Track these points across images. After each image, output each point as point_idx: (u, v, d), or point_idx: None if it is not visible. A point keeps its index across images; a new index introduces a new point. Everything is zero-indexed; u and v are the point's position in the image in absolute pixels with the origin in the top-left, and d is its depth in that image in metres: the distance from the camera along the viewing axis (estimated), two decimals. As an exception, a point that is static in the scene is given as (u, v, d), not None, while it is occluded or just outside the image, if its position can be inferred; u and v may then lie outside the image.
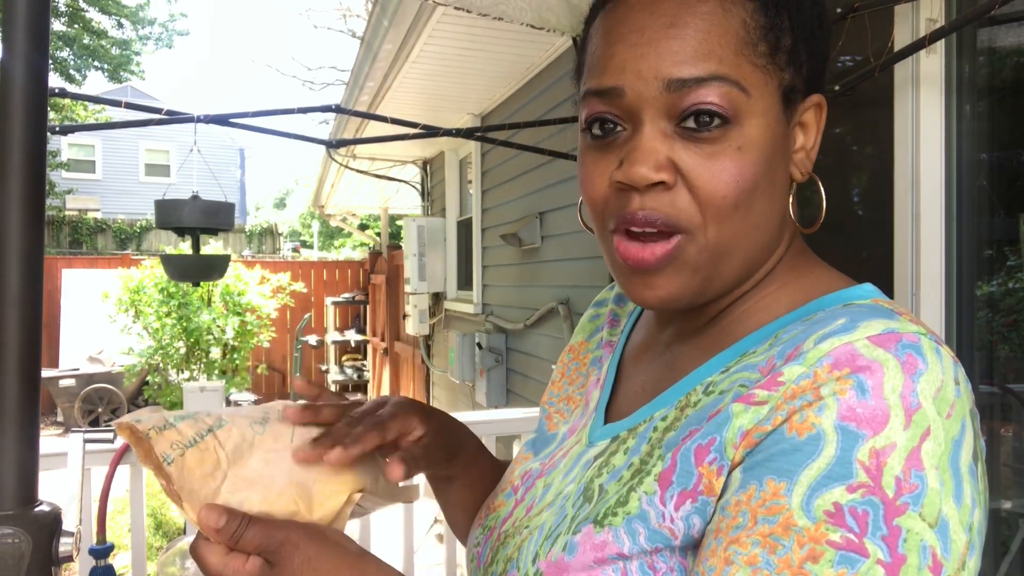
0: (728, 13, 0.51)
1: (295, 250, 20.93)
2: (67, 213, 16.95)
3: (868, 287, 0.55)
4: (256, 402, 9.42)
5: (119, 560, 4.87)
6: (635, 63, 0.51)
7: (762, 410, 0.46)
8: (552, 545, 0.55)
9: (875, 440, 0.42)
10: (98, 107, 15.06)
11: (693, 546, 0.48)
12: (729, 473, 0.47)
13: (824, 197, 0.59)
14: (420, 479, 0.74)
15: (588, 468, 0.60)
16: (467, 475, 0.77)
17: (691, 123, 0.51)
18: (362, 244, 19.37)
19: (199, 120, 2.47)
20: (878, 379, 0.43)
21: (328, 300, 11.13)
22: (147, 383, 7.07)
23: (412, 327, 6.23)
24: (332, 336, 10.79)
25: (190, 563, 1.37)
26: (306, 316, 11.23)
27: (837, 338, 0.46)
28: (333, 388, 10.53)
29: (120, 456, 1.83)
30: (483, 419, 2.29)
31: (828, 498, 0.42)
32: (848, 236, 1.89)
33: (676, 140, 0.52)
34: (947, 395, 0.44)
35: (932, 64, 1.54)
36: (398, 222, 12.54)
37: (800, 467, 0.43)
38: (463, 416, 2.34)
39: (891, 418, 0.42)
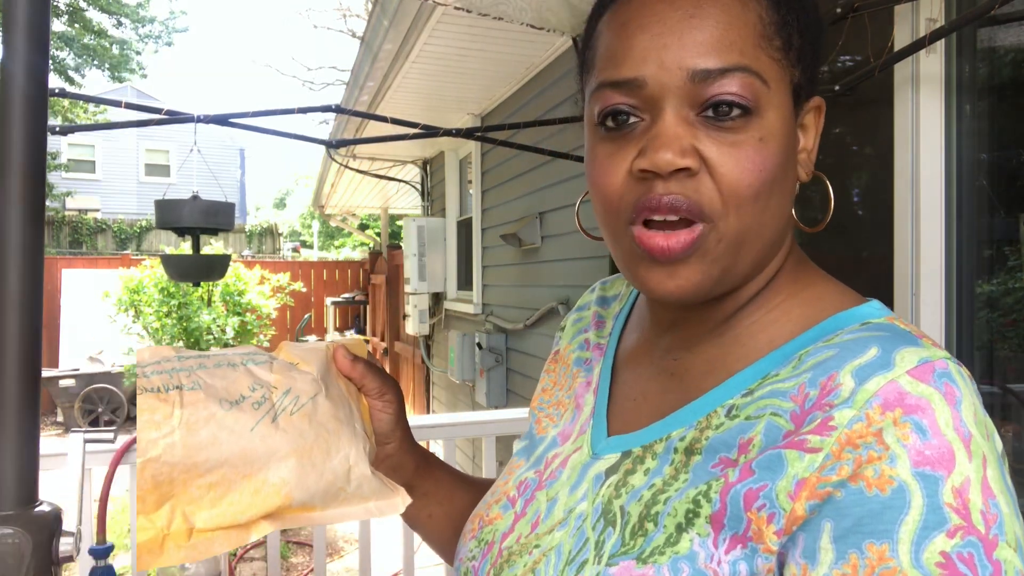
0: (745, 7, 0.52)
1: (295, 250, 20.94)
2: (67, 213, 16.95)
3: (876, 304, 0.55)
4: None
5: (119, 560, 4.87)
6: (658, 53, 0.51)
7: (817, 457, 0.46)
8: (578, 572, 0.54)
9: (952, 479, 0.43)
10: (98, 107, 15.07)
11: None
12: (787, 526, 0.46)
13: (832, 196, 0.59)
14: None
15: (601, 485, 0.59)
16: (439, 490, 0.80)
17: (711, 112, 0.51)
18: (362, 244, 19.37)
19: (199, 120, 2.47)
20: (931, 417, 0.44)
21: (328, 300, 11.13)
22: (147, 383, 7.06)
23: (412, 327, 6.23)
24: (332, 336, 10.79)
25: (190, 563, 1.37)
26: (306, 316, 11.23)
27: (880, 376, 0.46)
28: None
29: (120, 456, 1.83)
30: (483, 419, 2.29)
31: (934, 549, 0.42)
32: (848, 236, 1.89)
33: (698, 128, 0.51)
34: (980, 416, 0.45)
35: (932, 64, 1.54)
36: (398, 222, 12.54)
37: (896, 524, 0.43)
38: (463, 416, 2.34)
39: (956, 454, 0.43)
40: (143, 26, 17.70)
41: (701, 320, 0.59)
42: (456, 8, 2.41)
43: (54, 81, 13.01)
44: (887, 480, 0.43)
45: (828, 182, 0.59)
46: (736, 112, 0.50)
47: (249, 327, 7.19)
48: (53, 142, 18.26)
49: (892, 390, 0.45)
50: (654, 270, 0.53)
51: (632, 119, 0.53)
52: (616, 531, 0.54)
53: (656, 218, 0.52)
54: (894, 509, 0.43)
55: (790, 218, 0.57)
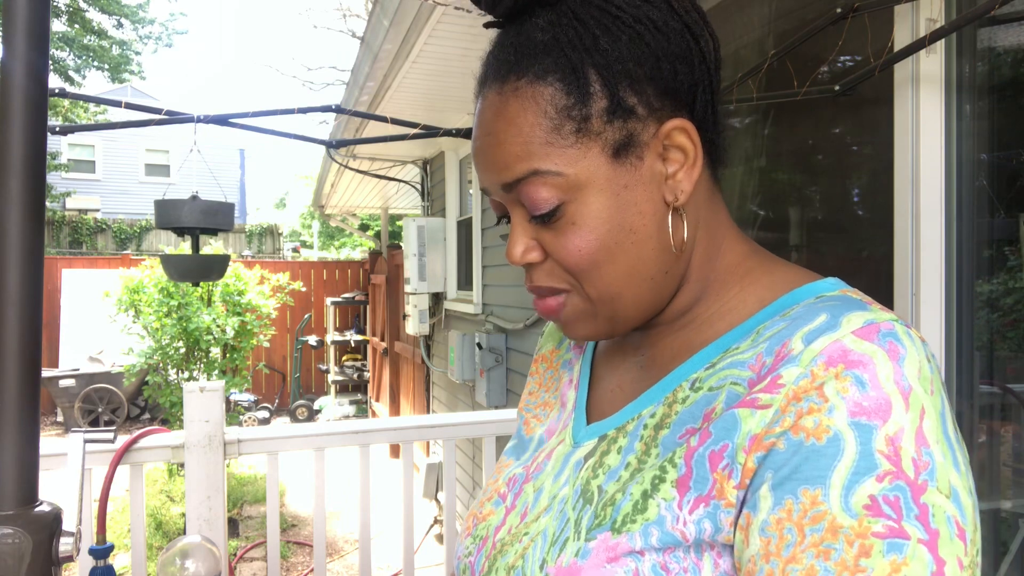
0: (528, 110, 0.55)
1: (295, 250, 20.92)
2: (67, 213, 16.94)
3: (834, 280, 0.58)
4: (256, 402, 9.42)
5: (119, 560, 4.86)
6: (481, 172, 0.60)
7: (767, 413, 0.48)
8: (561, 551, 0.56)
9: (886, 428, 0.45)
10: (98, 107, 15.07)
11: (705, 545, 0.50)
12: (742, 480, 0.49)
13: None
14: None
15: (580, 469, 0.62)
16: None
17: (536, 213, 0.58)
18: (362, 244, 19.37)
19: (199, 120, 2.47)
20: (872, 371, 0.46)
21: (328, 300, 11.12)
22: (147, 383, 7.06)
23: (412, 327, 6.23)
24: (332, 336, 10.79)
25: (190, 563, 1.37)
26: (306, 316, 11.23)
27: (826, 336, 0.48)
28: (333, 388, 10.53)
29: (120, 456, 1.83)
30: (483, 419, 2.28)
31: (863, 492, 0.44)
32: (848, 236, 1.89)
33: (535, 225, 0.59)
34: (926, 373, 0.47)
35: (932, 64, 1.54)
36: (398, 222, 12.53)
37: (829, 470, 0.45)
38: (463, 416, 2.33)
39: (893, 404, 0.45)
40: (143, 27, 17.68)
41: (658, 322, 0.64)
42: (456, 8, 2.40)
43: (54, 81, 13.01)
44: (824, 429, 0.46)
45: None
46: (546, 210, 0.56)
47: (249, 327, 7.18)
48: (53, 142, 18.26)
49: (836, 348, 0.47)
50: (556, 323, 0.63)
51: (503, 218, 0.63)
52: (592, 507, 0.57)
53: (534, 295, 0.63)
54: (828, 456, 0.45)
55: (684, 242, 0.58)
